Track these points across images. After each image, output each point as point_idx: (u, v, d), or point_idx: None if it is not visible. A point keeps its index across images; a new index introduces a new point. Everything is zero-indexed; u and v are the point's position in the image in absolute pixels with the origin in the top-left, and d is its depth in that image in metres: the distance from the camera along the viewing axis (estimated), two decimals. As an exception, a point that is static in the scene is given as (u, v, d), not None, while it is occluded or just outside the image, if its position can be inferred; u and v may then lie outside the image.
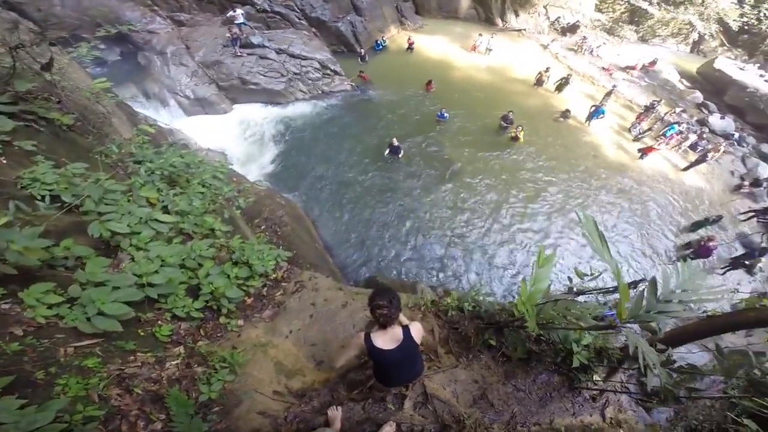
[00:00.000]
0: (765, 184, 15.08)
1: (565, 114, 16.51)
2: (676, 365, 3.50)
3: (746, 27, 24.60)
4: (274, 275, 5.20)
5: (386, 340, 2.73)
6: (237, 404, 3.23)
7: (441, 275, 10.75)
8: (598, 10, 25.11)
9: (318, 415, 3.26)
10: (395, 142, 13.43)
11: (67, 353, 2.64)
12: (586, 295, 7.65)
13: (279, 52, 15.71)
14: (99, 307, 2.93)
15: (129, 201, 4.42)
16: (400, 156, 13.60)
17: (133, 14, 14.62)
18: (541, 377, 3.96)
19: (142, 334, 3.29)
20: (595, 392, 3.97)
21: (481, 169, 13.82)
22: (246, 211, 7.66)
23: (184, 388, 2.80)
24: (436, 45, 20.49)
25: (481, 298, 4.62)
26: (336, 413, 3.11)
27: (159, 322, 3.54)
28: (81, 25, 13.39)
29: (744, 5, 23.85)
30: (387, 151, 13.58)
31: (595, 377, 3.97)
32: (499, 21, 23.17)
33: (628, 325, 3.00)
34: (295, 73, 15.80)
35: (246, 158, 13.47)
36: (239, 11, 15.65)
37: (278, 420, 3.21)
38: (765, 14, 23.49)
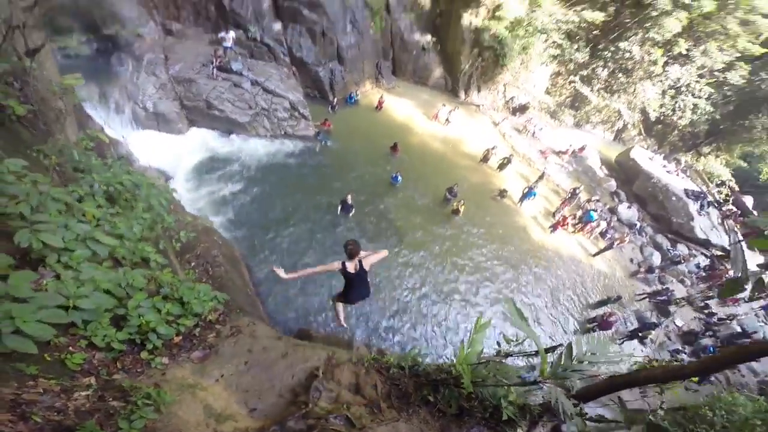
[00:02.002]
0: (656, 271, 17.88)
1: (502, 193, 18.10)
2: (587, 416, 4.04)
3: (662, 117, 28.61)
4: (209, 317, 4.90)
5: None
6: (159, 445, 2.85)
7: (374, 335, 10.78)
8: (547, 93, 27.75)
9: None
10: (349, 200, 13.41)
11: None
12: (512, 358, 8.17)
13: (254, 83, 15.61)
14: (18, 325, 2.60)
15: (61, 213, 4.03)
16: (350, 215, 13.68)
17: (130, 13, 13.77)
18: (472, 431, 4.15)
19: (48, 359, 2.91)
20: None
21: (423, 238, 14.47)
22: (182, 246, 7.22)
23: (97, 421, 2.45)
24: (403, 108, 21.59)
25: (419, 357, 4.89)
26: None
27: (71, 348, 3.16)
28: (79, 13, 12.37)
29: (665, 96, 27.78)
30: (340, 208, 13.57)
31: (519, 431, 4.29)
32: (462, 94, 24.95)
33: (549, 383, 3.61)
34: (264, 109, 15.67)
35: (188, 186, 12.75)
36: (231, 34, 15.51)
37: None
38: (680, 105, 27.54)
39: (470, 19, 22.17)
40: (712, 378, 12.18)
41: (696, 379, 5.22)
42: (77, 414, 2.44)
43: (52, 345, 3.04)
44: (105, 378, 3.12)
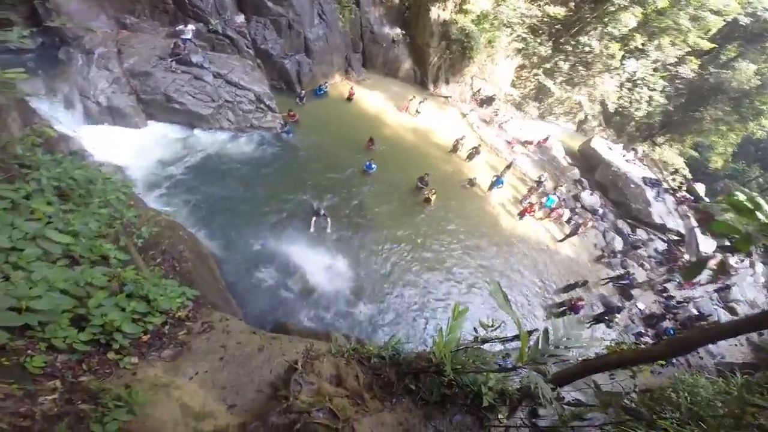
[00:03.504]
0: (619, 256, 18.84)
1: (472, 182, 18.55)
2: (564, 401, 4.16)
3: (620, 109, 29.88)
4: (178, 314, 4.71)
5: None
6: (134, 448, 2.71)
7: (352, 325, 10.84)
8: (513, 85, 28.14)
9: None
10: (321, 211, 13.10)
11: None
12: (490, 343, 8.42)
13: (216, 76, 15.18)
14: None
15: (6, 211, 3.77)
16: (327, 226, 13.24)
17: (78, 6, 13.26)
18: (455, 418, 4.27)
19: (6, 363, 2.69)
20: (501, 429, 4.39)
21: (397, 226, 14.62)
22: (145, 241, 6.87)
23: (68, 425, 2.29)
24: (374, 100, 21.53)
25: (399, 346, 4.90)
26: None
27: (29, 351, 2.94)
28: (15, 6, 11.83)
29: (623, 88, 28.99)
30: (313, 221, 13.03)
31: (500, 416, 4.43)
32: (431, 86, 25.23)
33: (526, 368, 3.67)
34: (227, 101, 15.27)
35: (149, 181, 12.17)
36: (190, 26, 15.05)
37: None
38: (636, 98, 28.83)
39: (438, 12, 22.35)
40: (674, 361, 12.87)
41: (662, 362, 5.56)
42: (45, 419, 2.29)
43: (9, 348, 2.82)
44: (70, 381, 2.94)
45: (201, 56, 15.03)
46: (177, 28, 14.97)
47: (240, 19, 17.15)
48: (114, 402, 2.70)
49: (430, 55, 24.12)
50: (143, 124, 13.75)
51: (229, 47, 16.79)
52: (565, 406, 4.25)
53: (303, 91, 18.64)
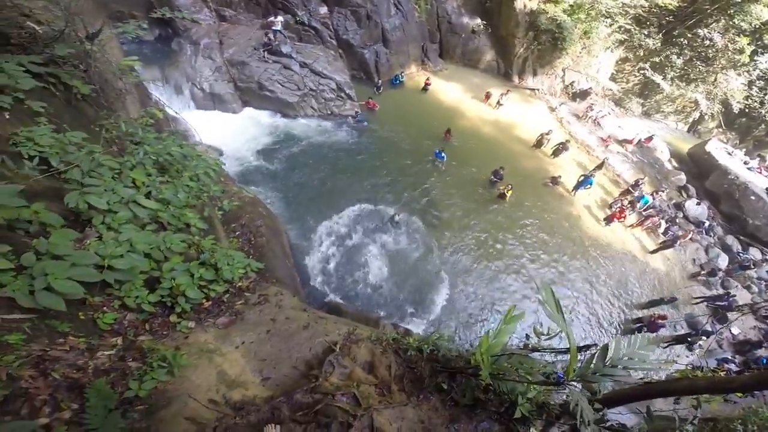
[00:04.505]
0: (720, 274, 15.81)
1: (555, 180, 16.79)
2: (608, 424, 3.63)
3: (747, 110, 24.93)
4: (239, 284, 5.03)
5: None
6: (165, 406, 2.99)
7: (403, 316, 10.68)
8: (613, 79, 25.10)
9: (252, 431, 3.04)
10: (397, 218, 12.71)
11: (-9, 325, 2.42)
12: (540, 353, 7.70)
13: (303, 65, 15.92)
14: (50, 281, 2.70)
15: (114, 179, 4.29)
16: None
17: (185, 1, 14.70)
18: (482, 425, 3.97)
19: (82, 317, 3.06)
20: None
21: (465, 221, 13.94)
22: (226, 214, 7.51)
23: (111, 380, 2.57)
24: (451, 91, 20.57)
25: (441, 342, 4.66)
26: (273, 431, 2.88)
27: (105, 308, 3.32)
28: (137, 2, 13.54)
29: (753, 87, 24.17)
30: (390, 220, 12.87)
31: (532, 430, 4.00)
32: (516, 78, 23.26)
33: (573, 384, 3.27)
34: (311, 90, 15.96)
35: (239, 160, 13.31)
36: (280, 18, 15.89)
37: (206, 429, 2.97)
38: None
39: (524, 1, 20.45)
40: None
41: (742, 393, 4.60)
42: (95, 372, 2.57)
43: (88, 304, 3.20)
44: (131, 339, 3.26)
45: (289, 47, 15.79)
46: (268, 20, 15.79)
47: (323, 10, 17.59)
48: (158, 362, 2.96)
49: (516, 46, 22.18)
50: (239, 109, 14.95)
51: (314, 38, 17.36)
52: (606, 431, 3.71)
53: (380, 81, 18.70)
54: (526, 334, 9.99)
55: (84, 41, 5.26)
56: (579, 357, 3.37)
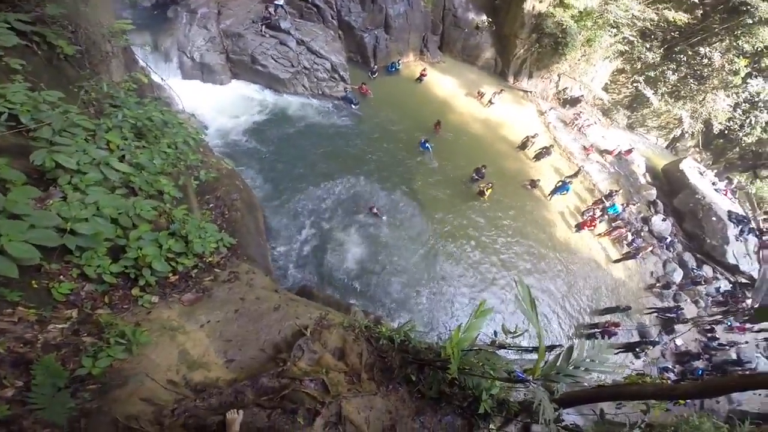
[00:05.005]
0: (674, 288, 16.69)
1: (534, 183, 16.97)
2: (563, 424, 3.82)
3: (726, 131, 25.17)
4: (209, 259, 4.80)
5: None
6: (120, 385, 2.79)
7: (375, 304, 10.68)
8: (605, 89, 25.04)
9: (213, 415, 2.86)
10: (375, 210, 12.47)
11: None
12: (506, 350, 7.90)
13: (300, 42, 15.38)
14: (3, 243, 2.42)
15: (88, 141, 4.01)
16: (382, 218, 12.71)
17: None
18: (446, 418, 4.00)
19: (35, 286, 2.79)
20: None
21: (443, 215, 13.99)
22: (202, 185, 7.17)
23: (61, 356, 2.34)
24: (446, 84, 20.38)
25: (412, 334, 4.62)
26: (236, 416, 2.71)
27: (61, 276, 3.04)
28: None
29: (738, 109, 24.34)
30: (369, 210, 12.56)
31: (492, 426, 4.10)
32: (511, 78, 23.08)
33: (536, 383, 3.31)
34: (305, 68, 15.48)
35: (221, 132, 12.81)
36: None
37: (164, 411, 2.78)
38: (751, 121, 24.07)
39: (534, 3, 20.18)
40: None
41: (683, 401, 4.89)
42: (45, 347, 2.33)
43: (43, 271, 2.93)
44: (87, 311, 3.01)
45: (289, 23, 15.22)
46: None
47: (329, -12, 16.90)
48: (116, 338, 2.74)
49: (516, 47, 22.00)
50: (227, 81, 14.42)
51: (315, 16, 16.76)
52: (563, 430, 3.85)
53: (376, 66, 18.32)
54: (495, 331, 10.22)
55: (77, 1, 5.02)
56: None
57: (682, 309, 15.53)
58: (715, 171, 24.90)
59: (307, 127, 14.60)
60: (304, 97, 15.62)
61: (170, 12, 13.54)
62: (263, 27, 14.61)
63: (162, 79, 9.37)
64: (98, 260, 3.35)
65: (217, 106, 13.43)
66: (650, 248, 17.00)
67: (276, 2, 14.97)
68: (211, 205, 7.38)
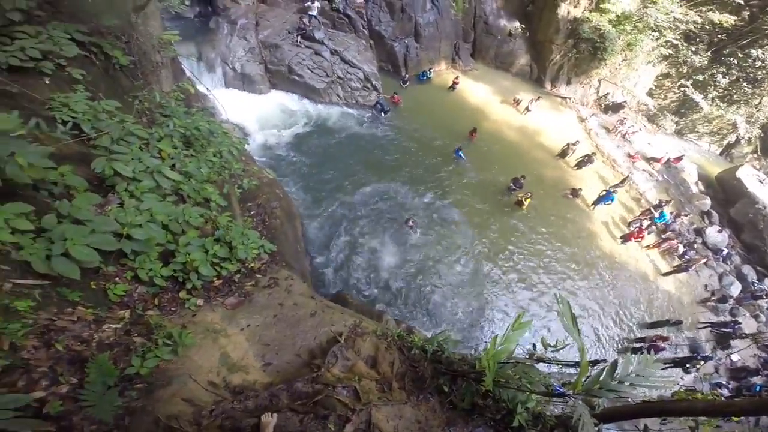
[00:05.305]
0: (731, 302, 15.20)
1: (575, 192, 16.14)
2: None
3: None
4: (251, 264, 4.94)
5: None
6: (164, 385, 2.89)
7: (409, 314, 10.53)
8: (650, 94, 23.77)
9: (249, 417, 2.93)
10: (410, 222, 12.24)
11: (2, 289, 2.32)
12: (546, 364, 7.50)
13: (333, 53, 15.73)
14: (68, 247, 2.60)
15: (142, 149, 4.25)
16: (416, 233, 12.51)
17: None
18: (477, 430, 3.84)
19: (94, 287, 2.96)
20: None
21: (481, 226, 13.58)
22: (244, 193, 7.46)
23: (114, 355, 2.47)
24: (479, 91, 19.98)
25: (445, 344, 4.51)
26: (270, 420, 2.74)
27: (117, 278, 3.22)
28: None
29: None
30: (405, 223, 12.38)
31: (525, 439, 3.88)
32: (548, 84, 22.31)
33: (576, 398, 3.14)
34: (339, 77, 15.78)
35: (262, 141, 13.28)
36: (316, 3, 15.69)
37: (202, 411, 2.86)
38: None
39: (568, 8, 19.44)
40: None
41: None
42: (99, 346, 2.47)
43: (101, 273, 3.11)
44: (139, 312, 3.16)
45: (323, 33, 15.55)
46: (305, 4, 15.55)
47: (359, -1, 17.27)
48: (164, 340, 2.86)
49: (552, 53, 21.24)
50: (267, 91, 14.91)
51: (347, 26, 17.07)
52: None
53: (407, 75, 18.33)
54: (533, 344, 9.80)
55: (129, 12, 5.24)
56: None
57: (740, 324, 14.14)
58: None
59: (343, 136, 14.81)
60: (338, 107, 15.90)
61: (212, 23, 14.14)
62: (299, 37, 15.03)
63: (207, 89, 9.82)
64: (150, 264, 3.54)
65: (258, 116, 13.91)
66: (704, 260, 15.63)
67: (310, 13, 15.35)
68: (252, 213, 7.66)
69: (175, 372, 2.95)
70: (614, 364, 3.18)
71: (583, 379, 3.05)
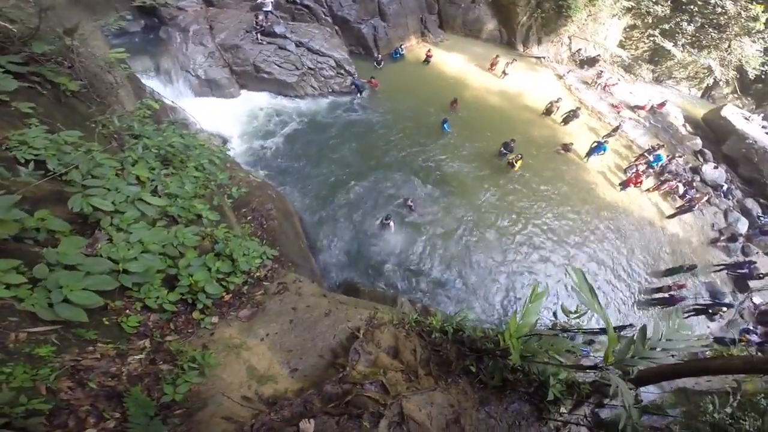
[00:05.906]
0: (740, 240, 15.49)
1: (567, 147, 16.44)
2: (642, 404, 3.68)
3: (763, 76, 24.14)
4: (257, 273, 4.96)
5: None
6: (201, 407, 2.96)
7: (422, 291, 10.69)
8: (621, 46, 24.64)
9: (288, 426, 3.00)
10: (409, 202, 12.41)
11: (19, 339, 2.35)
12: (570, 333, 7.67)
13: (298, 45, 15.52)
14: (66, 294, 2.61)
15: (118, 176, 4.11)
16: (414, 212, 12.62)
17: None
18: (513, 406, 3.94)
19: (107, 323, 2.98)
20: (559, 423, 3.97)
21: (478, 193, 13.75)
22: (235, 201, 7.41)
23: (146, 386, 2.53)
24: (454, 61, 20.23)
25: (464, 323, 4.57)
26: (308, 426, 2.83)
27: (127, 311, 3.23)
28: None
29: None
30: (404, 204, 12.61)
31: (563, 409, 4.01)
32: (520, 46, 22.84)
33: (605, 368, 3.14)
34: (310, 68, 15.63)
35: (244, 145, 13.16)
36: None
37: (244, 427, 2.94)
38: None
39: (525, -31, 19.49)
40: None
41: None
42: (129, 379, 2.52)
43: (110, 309, 3.12)
44: (158, 340, 3.19)
45: (283, 27, 15.37)
46: (257, 2, 15.31)
47: (314, -13, 16.92)
48: (189, 364, 2.91)
49: (518, 15, 21.54)
50: (237, 93, 14.72)
51: (307, 16, 16.94)
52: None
53: (380, 55, 18.28)
54: (554, 313, 10.02)
55: (62, 36, 4.99)
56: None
57: (755, 263, 14.36)
58: (762, 115, 23.37)
59: (325, 125, 14.77)
60: (315, 97, 15.80)
61: (162, 33, 13.86)
62: (258, 35, 14.80)
63: (172, 102, 9.61)
64: (155, 291, 3.53)
65: (234, 120, 13.77)
66: (706, 198, 15.94)
67: (264, 9, 15.06)
68: (248, 218, 7.65)
69: (207, 393, 3.02)
70: (643, 330, 3.17)
71: (612, 350, 3.05)
